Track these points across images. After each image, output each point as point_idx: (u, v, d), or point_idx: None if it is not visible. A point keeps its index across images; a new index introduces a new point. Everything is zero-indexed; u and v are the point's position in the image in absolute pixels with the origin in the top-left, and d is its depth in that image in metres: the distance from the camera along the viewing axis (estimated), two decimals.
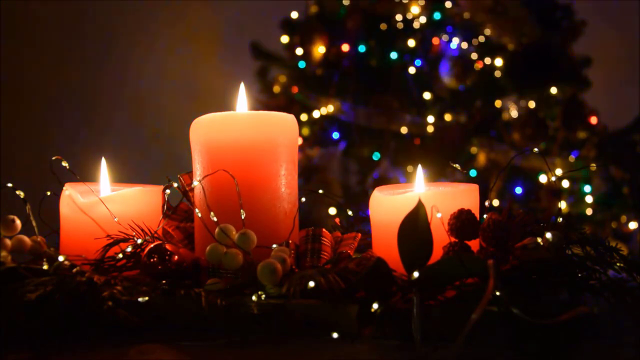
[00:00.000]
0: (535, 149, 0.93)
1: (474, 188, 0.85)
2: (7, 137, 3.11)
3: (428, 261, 0.72)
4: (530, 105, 2.58)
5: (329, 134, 2.65)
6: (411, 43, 2.55)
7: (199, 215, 0.84)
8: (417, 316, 0.68)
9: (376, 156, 2.57)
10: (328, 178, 2.58)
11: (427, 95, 2.53)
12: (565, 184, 2.52)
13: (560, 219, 0.83)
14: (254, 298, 0.74)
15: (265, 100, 2.69)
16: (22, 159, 3.02)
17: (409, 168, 2.51)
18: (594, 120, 2.59)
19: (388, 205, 0.83)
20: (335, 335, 0.72)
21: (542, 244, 0.77)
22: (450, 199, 0.82)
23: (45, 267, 0.81)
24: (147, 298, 0.75)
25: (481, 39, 2.55)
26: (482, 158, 2.52)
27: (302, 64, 2.66)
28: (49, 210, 0.90)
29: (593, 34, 2.70)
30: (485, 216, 0.80)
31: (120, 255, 0.82)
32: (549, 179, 2.47)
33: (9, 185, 0.88)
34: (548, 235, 0.77)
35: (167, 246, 0.81)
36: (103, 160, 0.94)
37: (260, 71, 2.79)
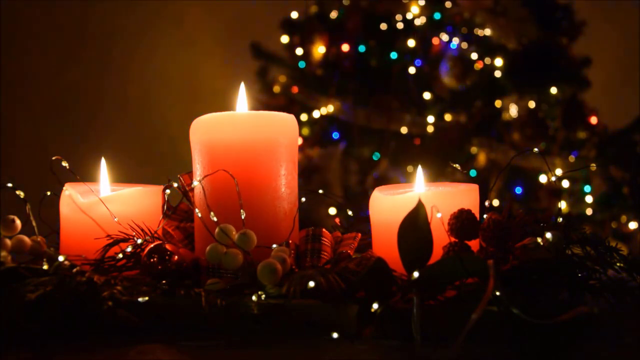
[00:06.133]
0: (535, 149, 0.93)
1: (474, 188, 0.85)
2: (7, 137, 3.11)
3: (428, 261, 0.72)
4: (530, 105, 2.58)
5: (329, 134, 2.65)
6: (411, 43, 2.54)
7: (199, 215, 0.84)
8: (417, 316, 0.68)
9: (376, 156, 2.57)
10: (328, 178, 2.58)
11: (427, 95, 2.53)
12: (565, 184, 2.52)
13: (560, 219, 0.83)
14: (254, 298, 0.74)
15: (265, 100, 2.69)
16: (22, 159, 3.02)
17: (409, 168, 2.51)
18: (594, 120, 2.59)
19: (388, 205, 0.83)
20: (335, 335, 0.72)
21: (542, 244, 0.77)
22: (450, 199, 0.82)
23: (45, 267, 0.81)
24: (147, 298, 0.75)
25: (481, 39, 2.55)
26: (482, 158, 2.52)
27: (302, 64, 2.66)
28: (49, 210, 0.90)
29: (593, 34, 2.70)
30: (485, 216, 0.80)
31: (120, 255, 0.82)
32: (549, 179, 2.47)
33: (9, 185, 0.88)
34: (548, 235, 0.77)
35: (167, 246, 0.81)
36: (103, 160, 0.94)
37: (260, 71, 2.79)
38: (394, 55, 2.56)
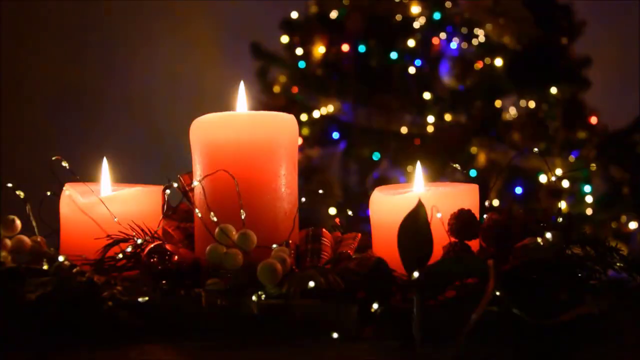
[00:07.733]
0: (535, 149, 0.93)
1: (474, 188, 0.85)
2: (7, 137, 3.11)
3: (428, 261, 0.72)
4: (530, 105, 2.58)
5: (329, 134, 2.65)
6: (411, 43, 2.54)
7: (199, 215, 0.84)
8: (417, 316, 0.68)
9: (376, 156, 2.57)
10: (328, 178, 2.57)
11: (427, 95, 2.53)
12: (565, 184, 2.52)
13: (560, 219, 0.83)
14: (254, 298, 0.74)
15: (265, 100, 2.69)
16: (22, 159, 3.02)
17: (409, 168, 2.51)
18: (594, 120, 2.60)
19: (388, 205, 0.83)
20: (335, 335, 0.72)
21: (542, 244, 0.77)
22: (450, 199, 0.82)
23: (45, 267, 0.81)
24: (147, 298, 0.75)
25: (481, 39, 2.55)
26: (482, 158, 2.52)
27: (302, 64, 2.66)
28: (49, 210, 0.90)
29: (593, 34, 2.70)
30: (485, 216, 0.80)
31: (120, 255, 0.82)
32: (549, 179, 2.47)
33: (9, 185, 0.88)
34: (548, 235, 0.77)
35: (167, 246, 0.81)
36: (105, 160, 0.94)
37: (260, 71, 2.79)
38: (394, 55, 2.56)
